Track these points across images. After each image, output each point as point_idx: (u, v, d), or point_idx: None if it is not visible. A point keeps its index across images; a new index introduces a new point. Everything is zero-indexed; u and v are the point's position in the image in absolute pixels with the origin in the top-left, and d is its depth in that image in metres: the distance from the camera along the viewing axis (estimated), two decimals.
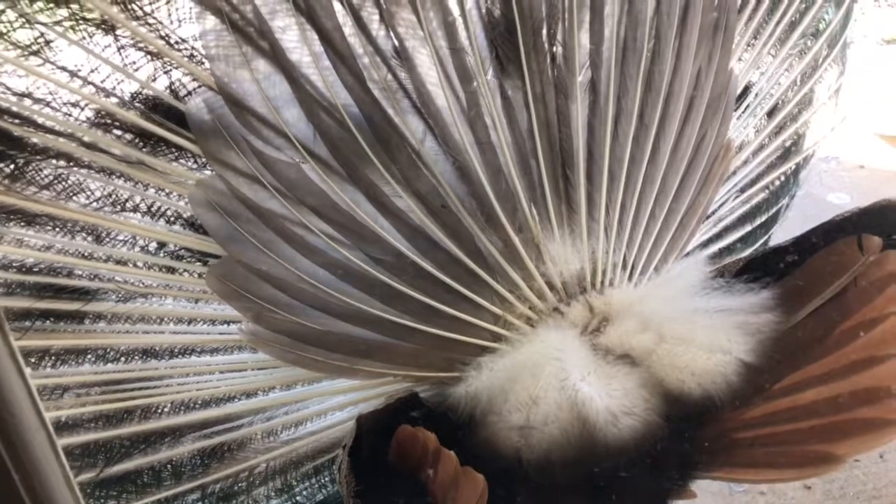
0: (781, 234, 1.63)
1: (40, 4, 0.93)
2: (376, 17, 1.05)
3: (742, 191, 1.66)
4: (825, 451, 1.12)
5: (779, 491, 1.90)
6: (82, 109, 1.00)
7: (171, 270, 1.14)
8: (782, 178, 1.72)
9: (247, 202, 1.07)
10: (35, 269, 1.08)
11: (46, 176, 1.02)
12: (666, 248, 1.31)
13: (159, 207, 1.10)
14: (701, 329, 1.10)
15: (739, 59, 1.45)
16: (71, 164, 1.02)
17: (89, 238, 1.09)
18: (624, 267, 1.25)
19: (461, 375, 1.14)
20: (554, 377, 1.05)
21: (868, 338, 1.13)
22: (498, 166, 1.14)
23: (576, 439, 1.03)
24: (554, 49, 1.15)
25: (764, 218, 1.74)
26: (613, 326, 1.13)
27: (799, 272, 1.19)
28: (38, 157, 1.01)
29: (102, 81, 1.00)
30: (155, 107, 1.04)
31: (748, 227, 1.73)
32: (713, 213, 1.61)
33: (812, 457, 1.14)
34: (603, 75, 1.18)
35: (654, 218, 1.29)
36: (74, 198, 1.05)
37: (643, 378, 1.08)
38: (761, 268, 1.22)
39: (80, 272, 1.11)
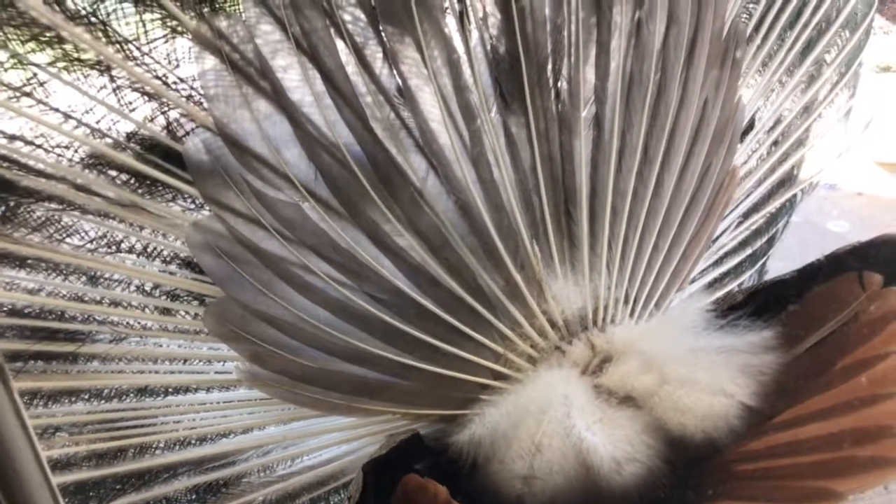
0: (780, 261, 1.62)
1: (32, 45, 0.90)
2: (380, 55, 1.03)
3: (745, 217, 1.65)
4: (825, 488, 1.12)
5: None
6: (76, 151, 0.97)
7: (167, 311, 1.11)
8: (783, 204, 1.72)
9: (245, 243, 1.05)
10: (26, 312, 1.05)
11: (38, 218, 0.99)
12: (668, 280, 1.30)
13: (155, 248, 1.07)
14: (703, 370, 1.09)
15: (747, 86, 1.44)
16: (63, 206, 0.99)
17: (83, 279, 1.06)
18: (626, 302, 1.24)
19: (462, 415, 1.13)
20: (558, 424, 1.04)
21: (869, 376, 1.12)
22: (500, 203, 1.13)
23: (580, 487, 1.02)
24: (559, 85, 1.13)
25: (761, 242, 1.74)
26: (615, 367, 1.12)
27: (799, 306, 1.18)
28: (30, 200, 0.97)
29: (97, 122, 0.97)
30: (151, 147, 1.01)
31: (748, 251, 1.72)
32: (715, 240, 1.60)
33: (812, 492, 1.14)
34: (608, 110, 1.16)
35: (657, 251, 1.27)
36: (67, 239, 1.02)
37: (646, 422, 1.07)
38: (762, 300, 1.21)
39: (73, 314, 1.08)
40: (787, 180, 1.69)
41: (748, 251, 1.71)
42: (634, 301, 1.25)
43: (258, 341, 1.08)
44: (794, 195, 1.72)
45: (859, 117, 1.76)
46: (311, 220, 1.06)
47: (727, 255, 1.67)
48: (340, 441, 1.30)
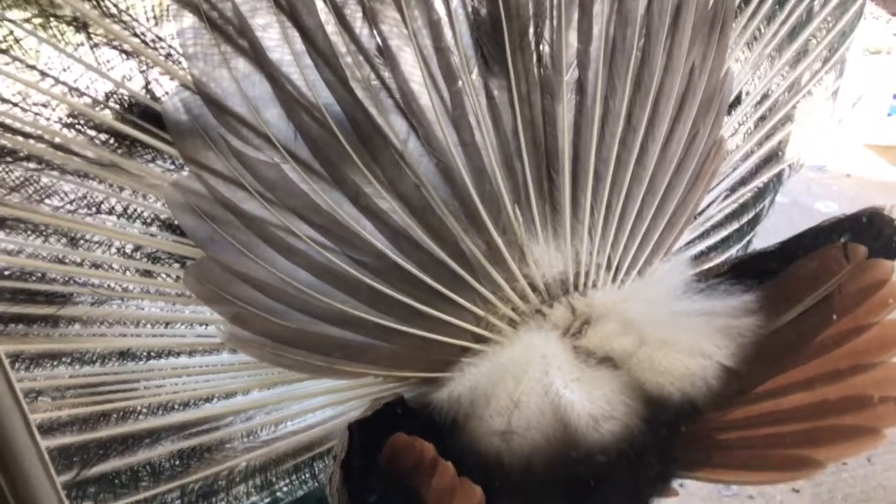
0: (767, 241, 1.64)
1: (8, 1, 0.89)
2: (359, 14, 1.02)
3: (732, 190, 1.66)
4: (806, 456, 1.14)
5: (768, 494, 1.93)
6: (53, 110, 0.97)
7: (148, 273, 1.11)
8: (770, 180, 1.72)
9: (226, 203, 1.05)
10: (6, 274, 1.05)
11: (17, 178, 0.99)
12: (653, 248, 1.31)
13: (135, 209, 1.07)
14: (681, 332, 1.10)
15: (736, 61, 1.44)
16: (42, 165, 0.99)
17: (63, 241, 1.06)
18: (608, 268, 1.24)
19: (443, 377, 1.14)
20: (536, 382, 1.05)
21: (852, 346, 1.14)
22: (482, 167, 1.13)
23: (557, 443, 1.03)
24: (541, 48, 1.13)
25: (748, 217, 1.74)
26: (595, 329, 1.13)
27: (783, 277, 1.19)
28: (8, 159, 0.97)
29: (75, 81, 0.97)
30: (130, 107, 1.01)
31: (734, 226, 1.73)
32: (701, 211, 1.61)
33: (792, 460, 1.16)
34: (590, 75, 1.16)
35: (640, 218, 1.28)
36: (47, 200, 1.02)
37: (624, 382, 1.08)
38: (746, 271, 1.22)
39: (53, 276, 1.08)
40: (774, 156, 1.70)
41: (735, 225, 1.71)
42: (617, 267, 1.25)
43: (239, 302, 1.09)
44: (782, 171, 1.73)
45: (847, 99, 1.76)
46: (291, 181, 1.05)
47: (714, 227, 1.67)
48: (324, 405, 1.31)
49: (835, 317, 1.13)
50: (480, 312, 1.16)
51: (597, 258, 1.23)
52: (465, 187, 1.12)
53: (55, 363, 1.16)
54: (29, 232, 1.04)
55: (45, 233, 1.05)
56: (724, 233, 1.69)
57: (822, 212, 2.73)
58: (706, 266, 1.63)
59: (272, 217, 1.06)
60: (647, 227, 1.29)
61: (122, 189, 1.06)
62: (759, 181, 1.67)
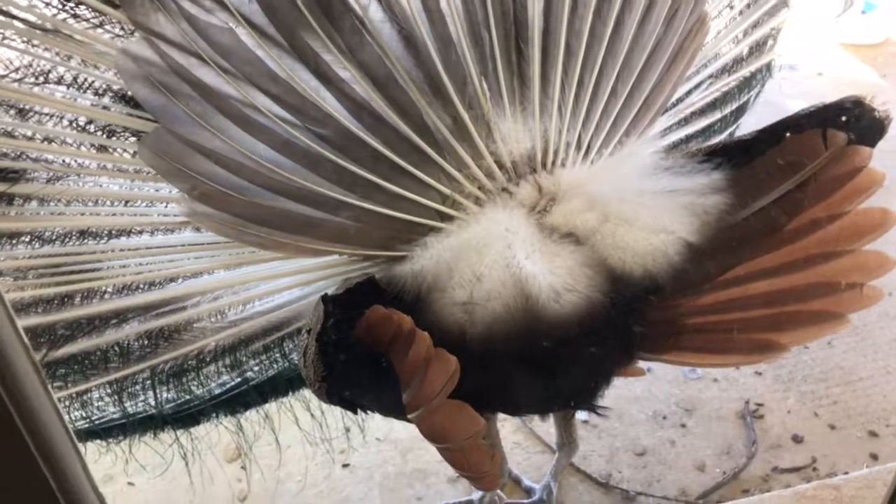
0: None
1: None
2: None
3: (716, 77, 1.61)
4: (770, 340, 1.16)
5: (731, 377, 1.99)
6: None
7: (104, 149, 1.07)
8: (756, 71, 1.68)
9: (179, 72, 1.00)
10: None
11: None
12: (627, 128, 1.28)
13: (85, 79, 1.03)
14: (645, 209, 1.09)
15: None
16: None
17: (11, 113, 1.02)
18: (578, 147, 1.22)
19: (409, 255, 1.13)
20: (499, 255, 1.05)
21: (824, 233, 1.14)
22: (447, 36, 1.08)
23: (519, 315, 1.03)
24: None
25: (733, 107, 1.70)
26: (559, 206, 1.12)
27: (759, 161, 1.17)
28: None
29: None
30: None
31: (717, 115, 1.69)
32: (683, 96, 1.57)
33: (757, 344, 1.18)
34: None
35: (614, 96, 1.25)
36: None
37: (587, 256, 1.08)
38: (721, 155, 1.20)
39: (4, 150, 1.04)
40: (764, 45, 1.65)
41: (717, 115, 1.67)
42: (588, 146, 1.23)
43: (198, 177, 1.06)
44: (771, 62, 1.68)
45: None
46: (246, 48, 1.01)
47: (695, 114, 1.64)
48: (292, 286, 1.30)
49: (808, 203, 1.13)
50: (446, 190, 1.14)
51: (566, 136, 1.20)
52: (430, 57, 1.08)
53: (14, 243, 1.14)
54: None
55: None
56: (705, 121, 1.66)
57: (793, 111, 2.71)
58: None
59: (227, 87, 1.02)
60: (620, 105, 1.25)
61: (69, 57, 1.01)
62: (746, 70, 1.63)
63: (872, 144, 1.13)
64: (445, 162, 1.13)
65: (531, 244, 1.07)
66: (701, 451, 1.84)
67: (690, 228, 1.08)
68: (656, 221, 1.08)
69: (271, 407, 1.48)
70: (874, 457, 1.82)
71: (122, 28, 1.01)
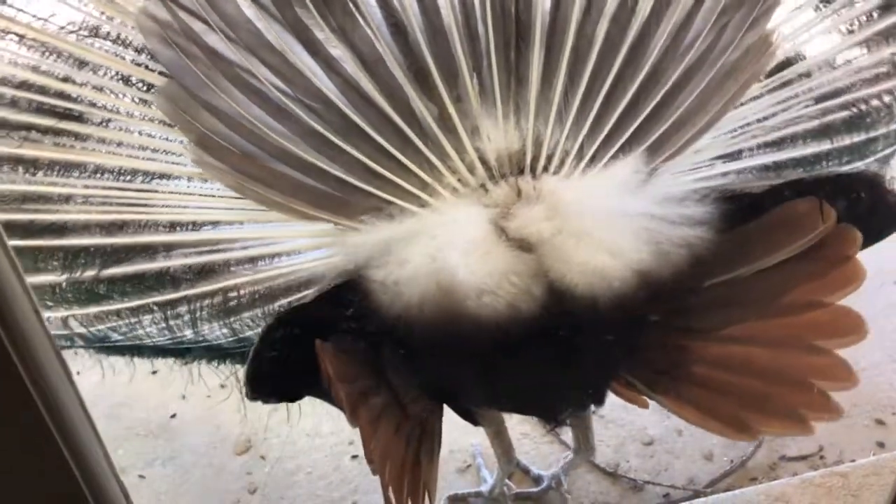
0: None
1: None
2: None
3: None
4: (750, 420, 1.13)
5: None
6: None
7: (144, 102, 1.22)
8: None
9: (189, 35, 1.13)
10: (30, 86, 1.21)
11: None
12: (653, 144, 1.20)
13: (126, 37, 1.18)
14: (603, 228, 1.03)
15: None
16: None
17: (70, 62, 1.20)
18: (580, 157, 1.17)
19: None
20: (432, 245, 1.05)
21: (806, 320, 1.08)
22: (438, 26, 1.10)
23: (435, 307, 1.03)
24: None
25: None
26: (521, 211, 1.09)
27: (754, 222, 1.10)
28: None
29: None
30: None
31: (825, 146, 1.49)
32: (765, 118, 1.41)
33: (737, 421, 1.14)
34: None
35: (634, 109, 1.18)
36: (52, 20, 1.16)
37: (528, 266, 1.04)
38: (729, 203, 1.11)
39: (68, 93, 1.21)
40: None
41: (826, 146, 1.47)
42: (593, 158, 1.17)
43: (202, 128, 1.18)
44: None
45: None
46: (247, 19, 1.11)
47: (782, 141, 1.46)
48: (307, 248, 1.36)
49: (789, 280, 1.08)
50: (427, 178, 1.15)
51: (565, 144, 1.16)
52: (418, 46, 1.10)
53: (78, 174, 1.31)
54: (41, 51, 1.19)
55: (53, 52, 1.19)
56: (803, 150, 1.47)
57: None
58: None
59: (230, 52, 1.13)
60: (643, 120, 1.18)
61: (111, 17, 1.17)
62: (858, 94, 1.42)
63: (882, 235, 1.01)
64: (428, 150, 1.14)
65: (474, 242, 1.05)
66: (708, 440, 1.84)
67: (641, 257, 1.01)
68: (611, 244, 1.02)
69: None
70: (881, 445, 1.82)
71: None
